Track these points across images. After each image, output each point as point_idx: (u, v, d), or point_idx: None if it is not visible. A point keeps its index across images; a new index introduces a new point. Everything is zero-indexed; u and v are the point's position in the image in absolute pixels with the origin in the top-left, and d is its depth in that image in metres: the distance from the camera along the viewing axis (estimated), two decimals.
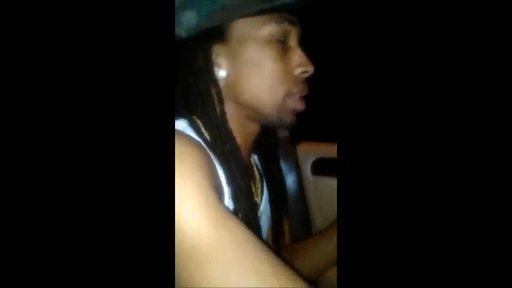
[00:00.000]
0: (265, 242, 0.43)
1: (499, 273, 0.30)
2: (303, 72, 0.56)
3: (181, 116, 0.55)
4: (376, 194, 0.34)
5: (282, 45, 0.55)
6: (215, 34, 0.53)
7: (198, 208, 0.40)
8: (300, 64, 0.56)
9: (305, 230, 1.17)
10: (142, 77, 0.37)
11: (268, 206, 0.67)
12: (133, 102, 0.37)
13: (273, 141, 0.69)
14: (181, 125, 0.54)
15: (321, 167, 1.21)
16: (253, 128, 0.59)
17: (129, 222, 0.35)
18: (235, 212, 0.51)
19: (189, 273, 0.39)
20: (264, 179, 0.69)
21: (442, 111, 0.33)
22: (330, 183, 1.16)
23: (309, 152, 1.21)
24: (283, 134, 1.14)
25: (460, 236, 0.31)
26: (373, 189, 0.34)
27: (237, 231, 0.41)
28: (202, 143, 0.52)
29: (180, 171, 0.42)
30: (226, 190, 0.51)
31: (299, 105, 0.57)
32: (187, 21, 0.53)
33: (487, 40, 0.32)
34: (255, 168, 0.68)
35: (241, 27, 0.53)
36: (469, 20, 0.32)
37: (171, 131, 0.43)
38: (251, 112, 0.57)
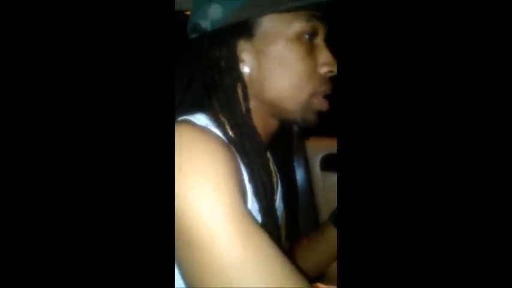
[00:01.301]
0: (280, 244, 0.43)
1: (499, 272, 0.31)
2: (328, 72, 0.55)
3: (202, 111, 0.54)
4: (376, 191, 0.34)
5: (309, 43, 0.54)
6: (242, 29, 0.52)
7: (228, 220, 0.39)
8: (326, 63, 0.55)
9: (313, 226, 1.17)
10: (142, 75, 0.37)
11: (281, 201, 0.67)
12: (134, 100, 0.37)
13: (288, 137, 0.69)
14: (203, 121, 0.52)
15: (330, 163, 1.21)
16: (274, 125, 0.59)
17: (129, 221, 0.35)
18: (259, 209, 0.50)
19: (206, 282, 0.39)
20: (278, 174, 0.68)
21: (443, 108, 0.33)
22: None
23: (318, 148, 1.20)
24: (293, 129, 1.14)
25: (459, 233, 0.32)
26: (373, 187, 0.34)
27: (264, 248, 0.40)
28: (226, 140, 0.51)
29: (211, 177, 0.41)
30: (249, 188, 0.50)
31: (324, 106, 0.56)
32: (213, 14, 0.52)
33: (487, 41, 0.32)
34: (270, 163, 0.68)
35: (269, 23, 0.52)
36: (469, 21, 0.32)
37: (171, 130, 0.42)
38: (274, 110, 0.56)
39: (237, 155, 0.51)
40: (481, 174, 0.32)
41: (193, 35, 0.56)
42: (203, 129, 0.48)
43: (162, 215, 0.36)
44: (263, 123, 0.56)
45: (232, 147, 0.50)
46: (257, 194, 0.51)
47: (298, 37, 0.52)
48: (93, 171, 0.35)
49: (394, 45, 0.34)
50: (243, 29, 0.52)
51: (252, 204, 0.50)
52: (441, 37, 0.33)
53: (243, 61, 0.53)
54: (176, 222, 0.40)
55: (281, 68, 0.53)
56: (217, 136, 0.49)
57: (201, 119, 0.53)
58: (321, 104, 0.56)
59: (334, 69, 0.55)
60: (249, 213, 0.43)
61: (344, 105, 0.36)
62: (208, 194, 0.40)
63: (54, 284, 0.33)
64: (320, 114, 0.57)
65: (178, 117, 0.53)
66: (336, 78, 0.56)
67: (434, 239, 0.32)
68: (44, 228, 0.34)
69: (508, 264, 0.30)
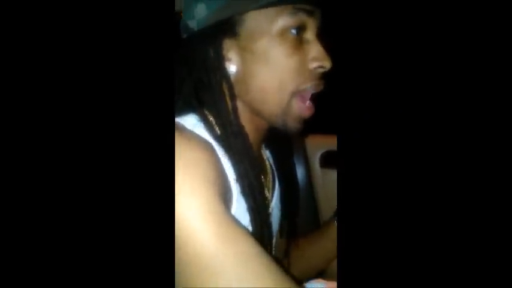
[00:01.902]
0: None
1: (499, 272, 0.30)
2: (318, 67, 0.53)
3: (193, 111, 0.54)
4: (376, 187, 0.34)
5: (296, 38, 0.52)
6: (226, 28, 0.52)
7: (207, 220, 0.40)
8: (316, 58, 0.53)
9: (313, 223, 1.17)
10: (142, 74, 0.37)
11: (279, 201, 0.67)
12: (133, 100, 0.37)
13: (285, 135, 0.68)
14: (191, 121, 0.53)
15: (329, 160, 1.20)
16: (264, 124, 0.58)
17: (129, 222, 0.35)
18: (247, 208, 0.50)
19: (188, 280, 0.39)
20: (275, 173, 0.68)
21: (442, 106, 0.33)
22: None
23: (318, 145, 1.20)
24: None
25: (459, 230, 0.31)
26: (373, 183, 0.34)
27: (244, 248, 0.40)
28: (212, 139, 0.51)
29: (189, 180, 0.41)
30: (236, 187, 0.51)
31: (305, 111, 0.54)
32: (199, 13, 0.52)
33: (487, 40, 0.32)
34: (266, 162, 0.67)
35: (253, 20, 0.51)
36: (468, 21, 0.32)
37: (171, 129, 0.43)
38: (257, 112, 0.55)
39: (223, 154, 0.51)
40: (481, 174, 0.31)
41: (184, 35, 0.56)
42: (185, 132, 0.49)
43: (162, 215, 0.36)
44: (252, 123, 0.56)
45: (214, 148, 0.50)
46: (244, 192, 0.51)
47: (283, 33, 0.51)
48: (93, 171, 0.35)
49: (393, 41, 0.34)
50: (228, 27, 0.52)
51: (239, 203, 0.50)
52: (440, 31, 0.33)
53: (229, 60, 0.53)
54: None
55: (267, 66, 0.51)
56: (199, 137, 0.50)
57: (189, 120, 0.53)
58: (302, 109, 0.54)
59: (326, 64, 0.53)
60: (227, 212, 0.43)
61: (343, 102, 0.36)
62: (186, 194, 0.40)
63: (54, 284, 0.33)
64: (306, 120, 0.55)
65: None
66: (335, 75, 0.54)
67: (435, 237, 0.32)
68: (45, 232, 0.34)
69: (508, 264, 0.30)
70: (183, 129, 0.50)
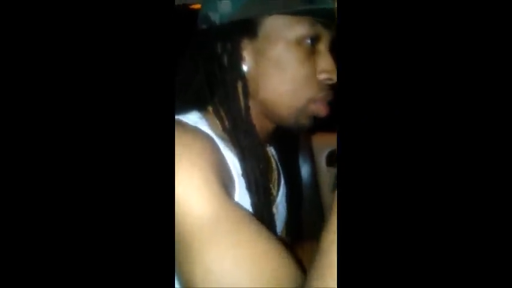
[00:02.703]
0: (278, 236, 0.44)
1: (499, 272, 0.30)
2: (326, 79, 0.55)
3: (196, 108, 0.55)
4: (377, 187, 0.34)
5: (310, 48, 0.53)
6: (247, 28, 0.53)
7: (201, 194, 0.41)
8: (325, 70, 0.54)
9: (319, 222, 1.17)
10: (142, 73, 0.37)
11: (284, 198, 0.66)
12: (133, 98, 0.36)
13: (292, 133, 0.68)
14: (193, 119, 0.53)
15: (336, 158, 1.20)
16: (271, 124, 0.59)
17: (129, 218, 0.35)
18: (251, 204, 0.51)
19: (185, 253, 0.40)
20: (280, 171, 0.68)
21: (442, 106, 0.33)
22: None
23: (324, 143, 1.20)
24: None
25: (460, 230, 0.32)
26: (373, 183, 0.34)
27: (237, 217, 0.42)
28: (215, 135, 0.52)
29: (186, 161, 0.43)
30: (240, 182, 0.51)
31: (321, 111, 0.56)
32: (223, 8, 0.53)
33: (487, 40, 0.32)
34: (272, 159, 0.68)
35: (273, 24, 0.52)
36: (468, 21, 0.32)
37: (171, 128, 0.43)
38: (268, 112, 0.56)
39: (226, 149, 0.52)
40: (480, 175, 0.32)
41: (203, 26, 0.56)
42: (187, 126, 0.50)
43: (162, 214, 0.36)
44: (261, 122, 0.57)
45: (217, 143, 0.51)
46: (250, 188, 0.51)
47: (299, 41, 0.53)
48: (93, 171, 0.35)
49: (395, 45, 0.34)
50: (248, 27, 0.53)
51: (244, 198, 0.51)
52: (442, 37, 0.33)
53: (243, 59, 0.54)
54: None
55: (278, 70, 0.53)
56: (201, 131, 0.51)
57: (191, 117, 0.54)
58: (318, 109, 0.56)
59: (334, 77, 0.54)
60: (229, 196, 0.45)
61: (345, 103, 0.36)
62: (187, 179, 0.42)
63: (54, 285, 0.33)
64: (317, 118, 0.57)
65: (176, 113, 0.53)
66: (339, 78, 0.55)
67: (435, 238, 0.32)
68: (45, 230, 0.34)
69: (508, 264, 0.30)
70: (185, 124, 0.51)
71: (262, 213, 0.52)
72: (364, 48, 0.35)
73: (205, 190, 0.42)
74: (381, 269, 0.32)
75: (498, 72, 0.32)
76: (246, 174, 0.51)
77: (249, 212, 0.44)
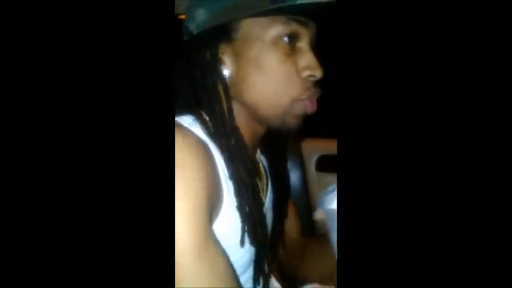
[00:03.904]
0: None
1: (499, 272, 0.30)
2: (309, 76, 0.55)
3: (190, 111, 0.55)
4: (377, 192, 0.34)
5: (289, 46, 0.54)
6: (223, 33, 0.54)
7: (190, 229, 0.43)
8: (307, 67, 0.54)
9: (308, 226, 1.17)
10: (142, 74, 0.37)
11: (271, 204, 0.67)
12: (133, 100, 0.37)
13: (280, 139, 0.68)
14: (187, 120, 0.54)
15: (325, 164, 1.21)
16: (260, 127, 0.59)
17: (128, 220, 0.35)
18: (237, 207, 0.52)
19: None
20: (269, 176, 0.68)
21: (441, 106, 0.33)
22: (334, 180, 1.16)
23: (314, 149, 1.21)
24: None
25: (459, 235, 0.31)
26: (374, 188, 0.34)
27: (217, 267, 0.45)
28: (208, 138, 0.53)
29: (181, 181, 0.44)
30: (229, 186, 0.52)
31: (309, 108, 0.56)
32: (199, 17, 0.54)
33: (487, 40, 0.32)
34: (260, 165, 0.68)
35: (248, 27, 0.53)
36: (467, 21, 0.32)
37: (171, 128, 0.44)
38: (254, 114, 0.56)
39: (217, 152, 0.53)
40: (480, 178, 0.32)
41: (185, 38, 0.58)
42: (181, 130, 0.50)
43: (162, 215, 0.36)
44: (248, 126, 0.57)
45: (209, 146, 0.52)
46: (237, 192, 0.52)
47: (276, 40, 0.53)
48: (92, 171, 0.35)
49: (391, 44, 0.34)
50: (225, 32, 0.54)
51: (231, 201, 0.52)
52: (441, 35, 0.33)
53: (224, 63, 0.55)
54: None
55: (259, 72, 0.53)
56: (194, 135, 0.51)
57: (186, 119, 0.55)
58: (305, 107, 0.56)
59: (317, 73, 0.54)
60: (213, 234, 0.47)
61: (343, 106, 0.36)
62: (177, 196, 0.43)
63: (54, 285, 0.33)
64: (309, 116, 0.57)
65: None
66: (333, 78, 0.56)
67: (435, 240, 0.32)
68: (44, 231, 0.34)
69: (508, 264, 0.30)
70: (180, 127, 0.51)
71: (249, 216, 0.52)
72: (364, 51, 0.35)
73: (192, 219, 0.44)
74: (380, 271, 0.33)
75: (495, 73, 0.32)
76: (234, 178, 0.52)
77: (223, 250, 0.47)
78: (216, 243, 0.46)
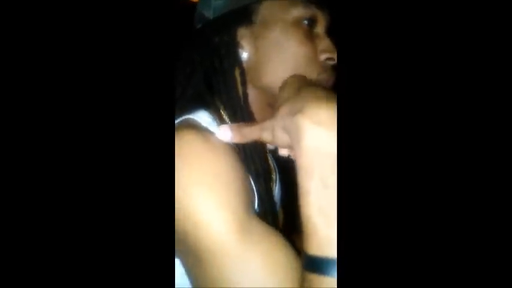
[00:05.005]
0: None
1: (499, 272, 0.30)
2: (328, 59, 0.55)
3: (204, 106, 0.54)
4: (378, 189, 0.33)
5: (308, 29, 0.54)
6: (242, 16, 0.53)
7: (230, 231, 0.41)
8: (326, 50, 0.54)
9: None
10: (142, 74, 0.36)
11: (279, 196, 0.67)
12: (134, 98, 0.36)
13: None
14: (205, 119, 0.52)
15: None
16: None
17: (128, 222, 0.34)
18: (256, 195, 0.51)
19: (209, 270, 0.41)
20: (276, 170, 0.68)
21: (441, 106, 0.32)
22: None
23: None
24: None
25: (459, 239, 0.31)
26: (374, 184, 0.33)
27: (268, 243, 0.42)
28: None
29: (216, 194, 0.42)
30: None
31: (328, 82, 0.54)
32: (215, 2, 0.53)
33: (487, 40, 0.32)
34: (269, 158, 0.68)
35: (268, 9, 0.53)
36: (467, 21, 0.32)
37: (171, 129, 0.42)
38: (272, 97, 0.53)
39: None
40: (480, 181, 0.31)
41: (198, 25, 0.57)
42: (204, 135, 0.46)
43: (162, 216, 0.35)
44: (261, 112, 0.56)
45: (233, 147, 0.49)
46: (253, 180, 0.51)
47: (296, 22, 0.53)
48: (93, 171, 0.34)
49: (394, 41, 0.34)
50: (243, 15, 0.53)
51: None
52: (438, 33, 0.33)
53: (242, 47, 0.54)
54: (179, 229, 0.42)
55: (279, 54, 0.53)
56: (218, 141, 0.47)
57: (202, 117, 0.52)
58: (325, 82, 0.54)
59: (335, 56, 0.55)
60: (254, 218, 0.44)
61: (343, 106, 0.36)
62: (211, 207, 0.41)
63: (54, 285, 0.33)
64: None
65: (181, 113, 0.52)
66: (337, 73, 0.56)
67: (436, 242, 0.32)
68: (44, 230, 0.33)
69: (508, 264, 0.30)
70: (198, 130, 0.47)
71: (265, 206, 0.52)
72: (365, 53, 0.35)
73: (228, 212, 0.42)
74: (380, 272, 0.32)
75: (495, 73, 0.32)
76: (249, 166, 0.51)
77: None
78: (260, 222, 0.44)
